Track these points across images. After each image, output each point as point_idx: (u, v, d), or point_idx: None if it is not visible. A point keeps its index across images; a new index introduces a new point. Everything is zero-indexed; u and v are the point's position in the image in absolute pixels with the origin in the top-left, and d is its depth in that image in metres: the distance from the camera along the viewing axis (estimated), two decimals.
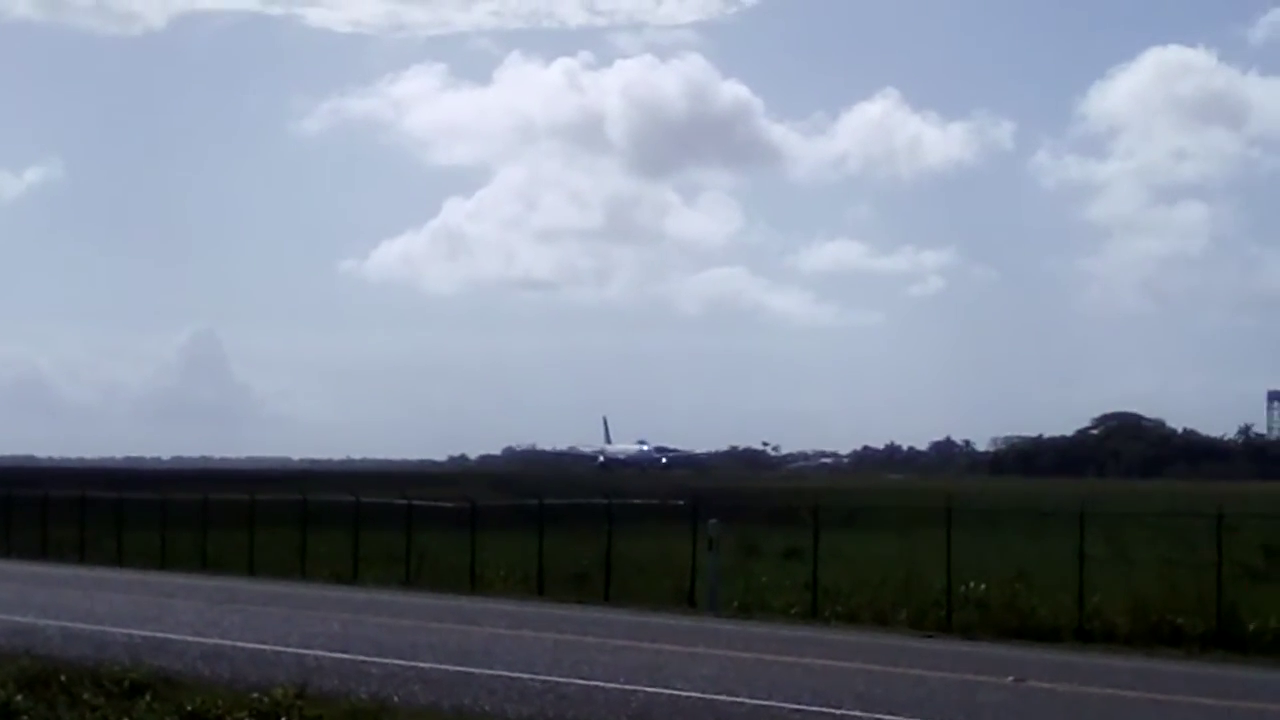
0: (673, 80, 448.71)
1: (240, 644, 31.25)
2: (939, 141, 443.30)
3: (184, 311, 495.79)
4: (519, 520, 55.70)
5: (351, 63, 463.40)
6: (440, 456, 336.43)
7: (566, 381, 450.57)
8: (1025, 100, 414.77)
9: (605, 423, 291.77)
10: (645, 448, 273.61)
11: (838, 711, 22.87)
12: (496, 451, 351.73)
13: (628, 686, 25.38)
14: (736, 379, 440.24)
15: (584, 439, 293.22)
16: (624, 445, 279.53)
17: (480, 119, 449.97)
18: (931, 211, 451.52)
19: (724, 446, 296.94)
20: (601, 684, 25.72)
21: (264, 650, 30.08)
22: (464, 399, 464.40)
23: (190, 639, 32.03)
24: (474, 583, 47.97)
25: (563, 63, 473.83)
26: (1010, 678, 27.29)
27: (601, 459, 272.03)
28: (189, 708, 21.25)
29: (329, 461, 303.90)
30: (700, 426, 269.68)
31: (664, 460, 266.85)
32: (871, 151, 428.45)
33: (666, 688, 25.26)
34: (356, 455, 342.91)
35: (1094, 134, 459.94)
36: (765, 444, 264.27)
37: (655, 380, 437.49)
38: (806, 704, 23.55)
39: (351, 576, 51.33)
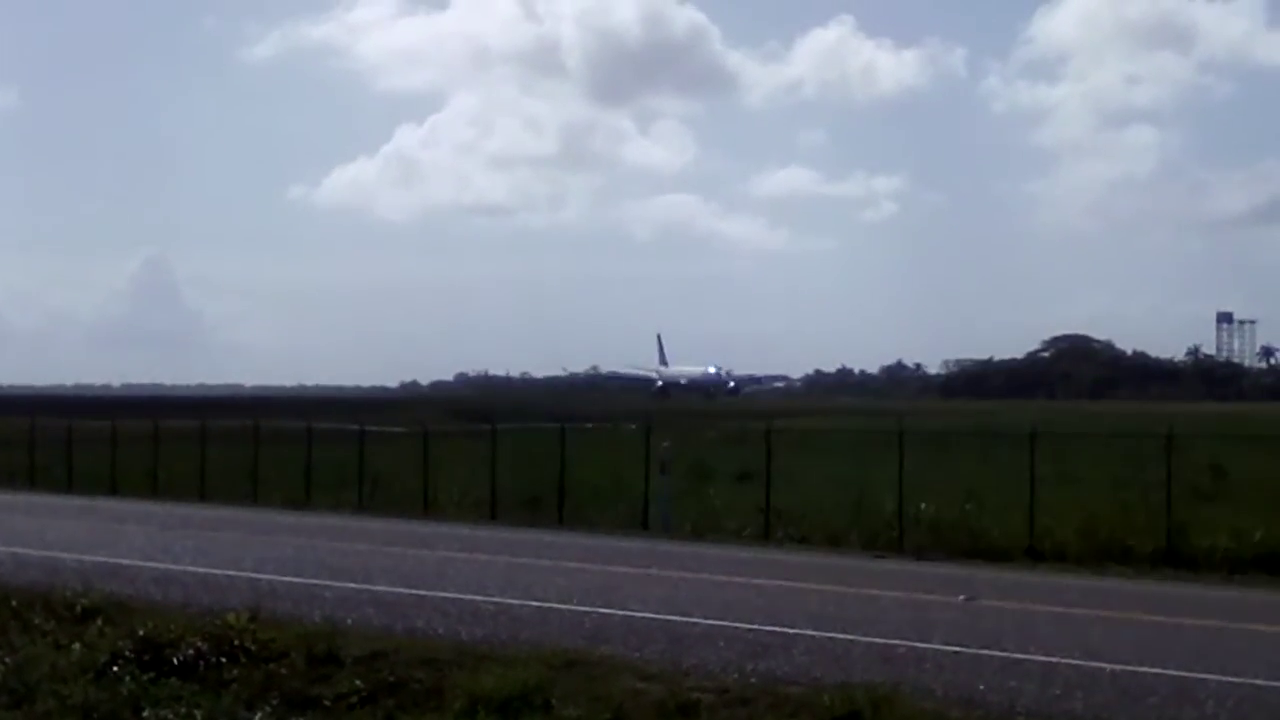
0: (629, 7, 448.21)
1: (192, 569, 31.16)
2: (892, 68, 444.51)
3: (135, 238, 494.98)
4: (472, 446, 55.61)
5: None
6: (393, 383, 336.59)
7: (520, 307, 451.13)
8: (977, 27, 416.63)
9: (660, 342, 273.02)
10: (712, 370, 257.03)
11: (791, 630, 22.93)
12: (449, 377, 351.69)
13: (581, 608, 25.43)
14: (689, 304, 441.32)
15: (538, 365, 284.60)
16: (685, 367, 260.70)
17: (435, 45, 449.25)
18: (884, 138, 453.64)
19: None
20: (555, 605, 25.76)
21: (216, 575, 30.01)
22: (416, 325, 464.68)
23: (142, 564, 31.95)
24: (427, 507, 47.94)
25: None
26: (961, 596, 27.45)
27: (660, 382, 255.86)
28: (141, 632, 21.15)
29: (281, 388, 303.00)
30: (652, 351, 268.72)
31: (732, 384, 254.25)
32: (826, 78, 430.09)
33: (621, 609, 25.31)
34: (309, 382, 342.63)
35: (1044, 59, 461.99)
36: (718, 369, 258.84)
37: (608, 305, 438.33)
38: (760, 624, 23.61)
39: (304, 501, 51.21)
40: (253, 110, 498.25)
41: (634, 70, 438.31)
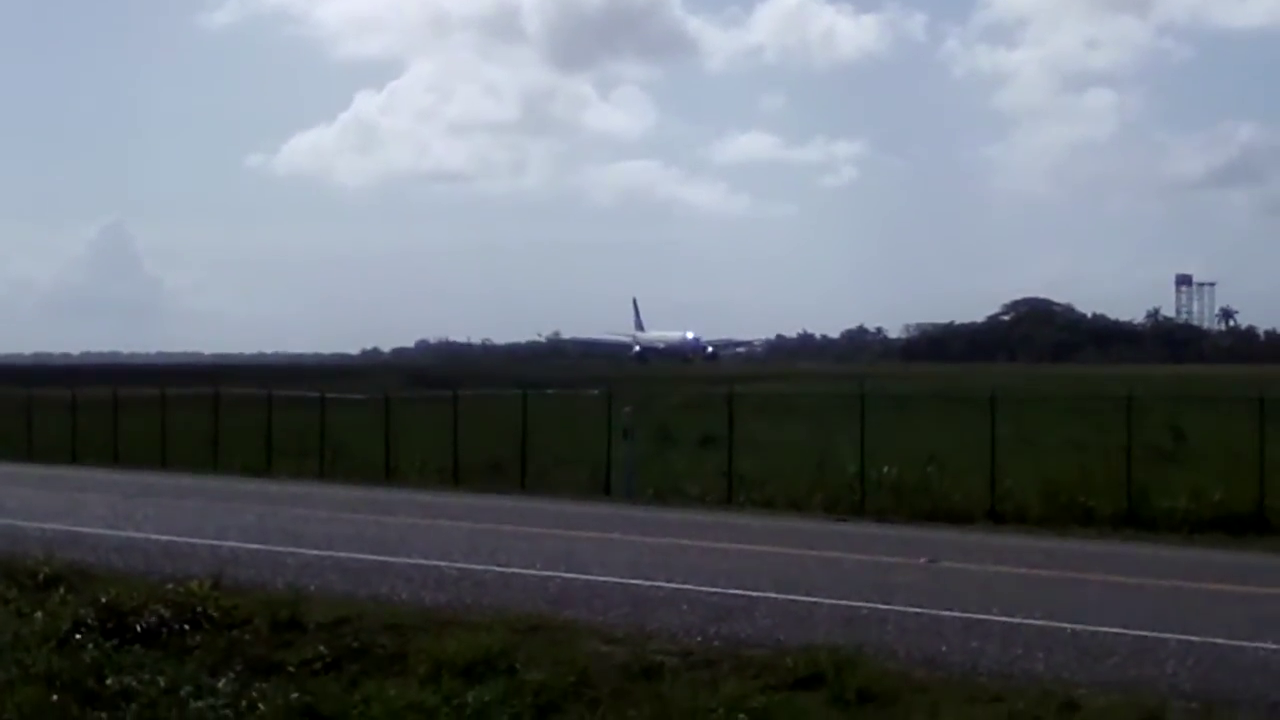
0: None
1: (154, 536, 31.07)
2: (852, 32, 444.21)
3: (92, 206, 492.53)
4: (432, 413, 55.53)
5: None
6: (354, 350, 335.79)
7: (479, 273, 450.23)
8: None
9: (636, 307, 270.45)
10: (690, 336, 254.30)
11: (754, 594, 22.99)
12: (410, 344, 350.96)
13: (545, 572, 25.43)
14: (650, 270, 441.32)
15: (499, 331, 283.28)
16: (663, 332, 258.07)
17: (393, 11, 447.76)
18: (844, 103, 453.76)
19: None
20: (518, 570, 25.77)
21: (178, 542, 29.93)
22: (377, 292, 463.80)
23: (104, 532, 31.85)
24: (389, 474, 47.89)
25: None
26: (923, 559, 27.55)
27: (638, 348, 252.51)
28: (104, 600, 21.11)
29: (241, 356, 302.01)
30: (615, 317, 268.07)
31: (710, 349, 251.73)
32: (786, 43, 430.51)
33: (584, 573, 25.33)
34: (269, 350, 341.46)
35: (1003, 23, 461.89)
36: (695, 335, 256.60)
37: (569, 272, 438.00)
38: (723, 587, 23.66)
39: (265, 469, 51.09)
40: (211, 78, 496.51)
41: (594, 36, 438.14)
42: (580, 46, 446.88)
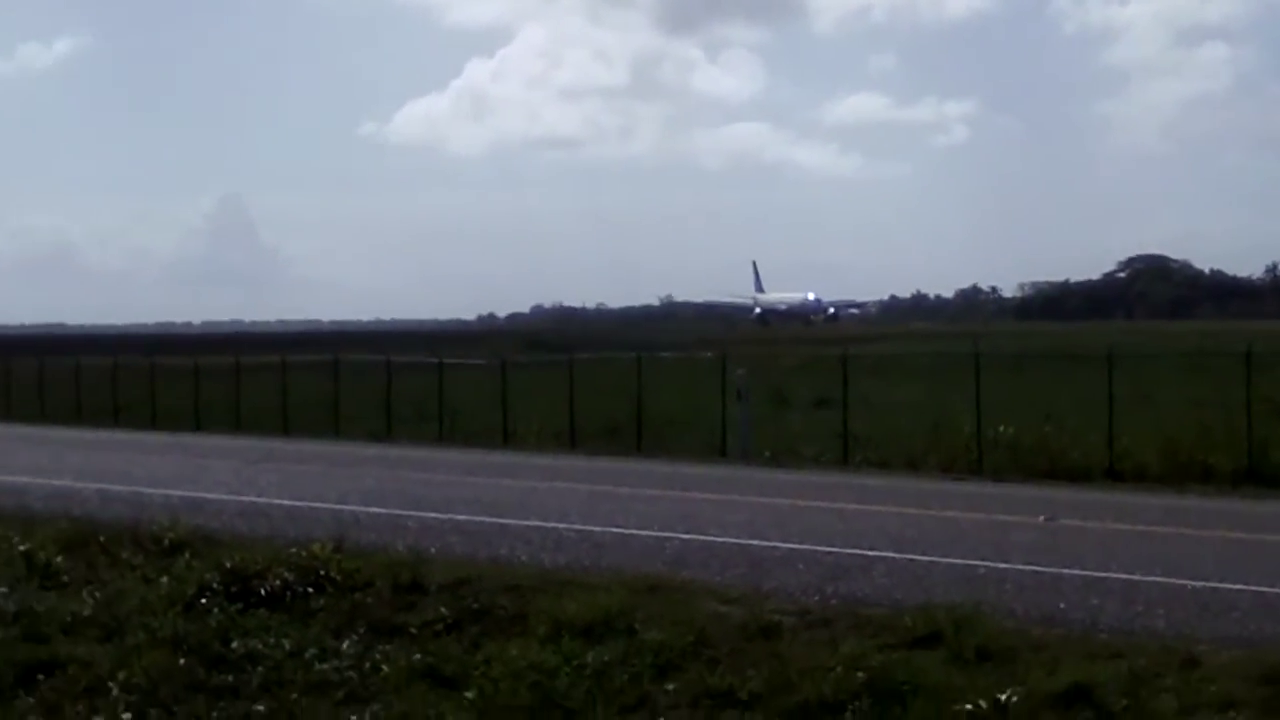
0: None
1: (277, 501, 31.51)
2: None
3: (210, 177, 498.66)
4: (548, 377, 55.79)
5: None
6: (470, 316, 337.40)
7: (592, 239, 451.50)
8: None
9: (755, 269, 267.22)
10: (811, 297, 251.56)
11: (871, 553, 23.01)
12: (525, 310, 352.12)
13: (662, 534, 25.58)
14: (762, 233, 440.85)
15: (612, 295, 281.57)
16: (783, 294, 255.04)
17: None
18: (954, 61, 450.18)
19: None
20: (636, 531, 25.94)
21: (300, 507, 30.33)
22: (491, 259, 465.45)
23: (227, 498, 32.32)
24: (506, 438, 48.18)
25: None
26: (1041, 517, 27.43)
27: (758, 310, 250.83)
28: (228, 564, 21.32)
29: (359, 323, 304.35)
30: (729, 279, 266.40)
31: (831, 310, 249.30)
32: (895, 2, 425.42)
33: (701, 534, 25.45)
34: (386, 316, 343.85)
35: None
36: (816, 296, 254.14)
37: (681, 236, 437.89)
38: (839, 547, 23.72)
39: (385, 434, 51.59)
40: (323, 48, 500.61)
41: None
42: (688, 9, 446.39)
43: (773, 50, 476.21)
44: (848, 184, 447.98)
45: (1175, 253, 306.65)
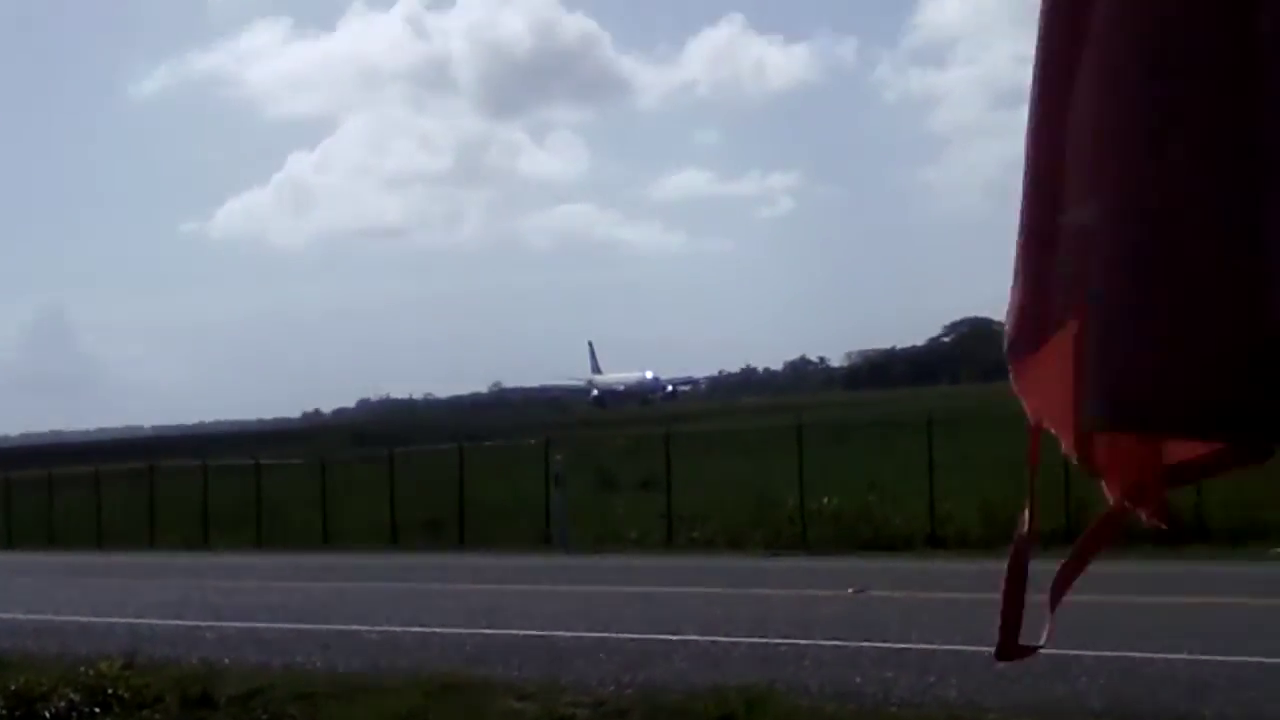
0: (518, 19, 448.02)
1: (73, 618, 30.54)
2: (784, 63, 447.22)
3: (25, 283, 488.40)
4: (370, 473, 55.13)
5: (193, 21, 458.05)
6: (295, 413, 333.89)
7: (419, 329, 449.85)
8: (866, 16, 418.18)
9: (592, 349, 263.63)
10: (649, 375, 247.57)
11: (675, 637, 22.70)
12: (351, 404, 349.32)
13: (464, 630, 25.07)
14: (595, 313, 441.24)
15: (441, 385, 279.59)
16: (620, 374, 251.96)
17: (324, 68, 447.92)
18: (778, 133, 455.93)
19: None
20: (438, 629, 25.41)
21: (96, 623, 29.40)
22: (317, 353, 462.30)
23: (22, 616, 31.26)
24: (327, 538, 47.46)
25: (405, 6, 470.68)
26: (850, 589, 27.30)
27: (595, 392, 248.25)
28: (13, 687, 20.61)
29: (182, 426, 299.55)
30: (563, 363, 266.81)
31: (670, 388, 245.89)
32: (718, 77, 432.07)
33: (505, 628, 24.99)
34: (209, 419, 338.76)
35: (933, 44, 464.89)
36: (654, 374, 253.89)
37: (512, 321, 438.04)
38: (644, 633, 23.37)
39: (202, 541, 50.61)
40: (143, 147, 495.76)
41: (526, 81, 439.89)
42: (512, 93, 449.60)
43: (597, 130, 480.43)
44: (676, 259, 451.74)
45: (999, 314, 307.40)
